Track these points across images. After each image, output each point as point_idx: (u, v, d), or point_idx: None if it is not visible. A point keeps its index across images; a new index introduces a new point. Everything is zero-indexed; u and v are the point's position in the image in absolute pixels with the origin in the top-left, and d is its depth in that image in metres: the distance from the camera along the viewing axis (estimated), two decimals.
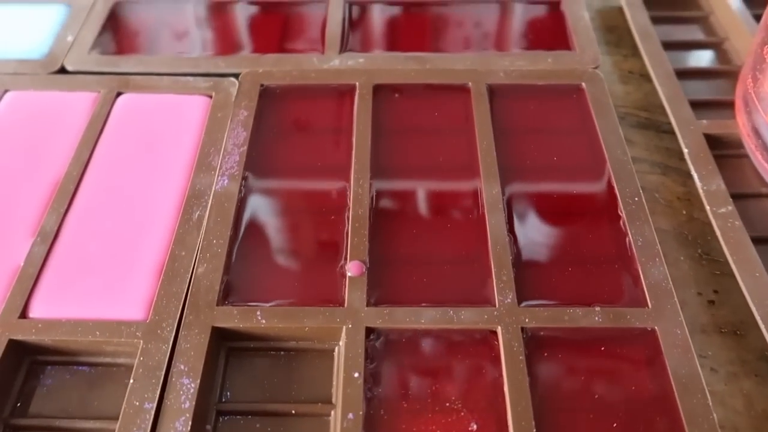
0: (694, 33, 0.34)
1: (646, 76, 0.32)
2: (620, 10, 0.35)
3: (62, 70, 0.30)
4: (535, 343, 0.21)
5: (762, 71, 0.24)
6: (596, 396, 0.20)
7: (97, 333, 0.21)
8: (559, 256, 0.24)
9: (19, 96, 0.29)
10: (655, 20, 0.33)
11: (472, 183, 0.26)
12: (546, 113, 0.29)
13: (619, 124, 0.28)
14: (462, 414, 0.20)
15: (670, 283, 0.22)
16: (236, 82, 0.30)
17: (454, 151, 0.27)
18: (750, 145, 0.26)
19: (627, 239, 0.24)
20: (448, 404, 0.20)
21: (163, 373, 0.20)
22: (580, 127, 0.28)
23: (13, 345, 0.21)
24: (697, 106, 0.29)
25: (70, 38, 0.32)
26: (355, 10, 0.33)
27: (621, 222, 0.24)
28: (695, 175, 0.26)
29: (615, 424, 0.20)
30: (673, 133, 0.28)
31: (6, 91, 0.30)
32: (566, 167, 0.27)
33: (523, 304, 0.22)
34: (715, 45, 0.33)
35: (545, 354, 0.21)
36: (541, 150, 0.27)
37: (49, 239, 0.24)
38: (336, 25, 0.32)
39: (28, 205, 0.25)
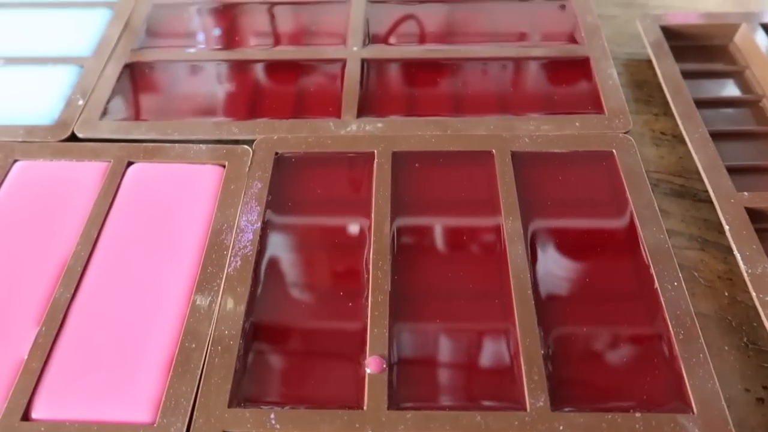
0: (729, 89, 0.32)
1: (679, 137, 0.30)
2: (649, 62, 0.33)
3: (72, 136, 0.30)
4: None
5: None
6: None
7: None
8: (595, 353, 0.22)
9: (28, 166, 0.29)
10: (687, 75, 0.32)
11: (498, 265, 0.24)
12: (574, 183, 0.27)
13: (653, 196, 0.26)
14: None
15: (717, 383, 0.21)
16: (250, 150, 0.28)
17: (479, 229, 0.26)
18: None
19: (668, 333, 0.22)
20: None
21: None
22: (611, 198, 0.27)
23: None
24: (736, 173, 0.27)
25: (81, 102, 0.31)
26: (373, 69, 0.32)
27: (661, 313, 0.23)
28: (738, 256, 0.24)
29: None
30: (710, 201, 0.26)
31: (15, 161, 0.29)
32: (598, 245, 0.25)
33: (557, 408, 0.20)
34: (752, 103, 0.31)
35: None
36: (570, 225, 0.26)
37: (54, 329, 0.23)
38: (353, 86, 0.31)
39: (34, 289, 0.24)
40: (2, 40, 0.35)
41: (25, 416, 0.21)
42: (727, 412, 0.20)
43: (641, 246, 0.24)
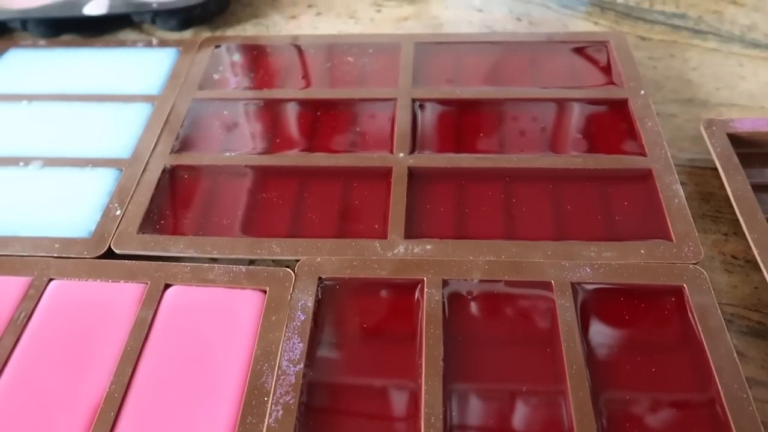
0: None
1: (753, 262, 0.28)
2: (714, 170, 0.31)
3: (109, 250, 0.29)
4: None
5: None
6: None
7: None
8: None
9: (62, 286, 0.27)
10: (758, 188, 0.29)
11: (558, 409, 0.22)
12: (641, 322, 0.25)
13: (730, 341, 0.24)
14: None
15: None
16: (292, 273, 0.27)
17: (538, 368, 0.24)
18: None
19: None
20: None
21: None
22: (682, 344, 0.24)
23: None
24: None
25: (118, 212, 0.30)
26: (420, 186, 0.31)
27: None
28: None
29: None
30: None
31: (50, 279, 0.28)
32: (668, 402, 0.23)
33: None
34: None
35: None
36: (635, 375, 0.23)
37: None
38: (400, 204, 0.29)
39: (69, 427, 0.23)
40: (39, 136, 0.34)
41: None
42: None
43: (721, 404, 0.22)
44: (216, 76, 0.38)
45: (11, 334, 0.26)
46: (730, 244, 0.29)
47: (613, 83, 0.35)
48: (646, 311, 0.25)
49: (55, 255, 0.29)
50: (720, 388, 0.23)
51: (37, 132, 0.35)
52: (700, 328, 0.24)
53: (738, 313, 0.26)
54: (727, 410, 0.22)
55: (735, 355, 0.23)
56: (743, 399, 0.22)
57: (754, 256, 0.27)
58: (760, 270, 0.27)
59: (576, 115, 0.34)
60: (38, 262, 0.28)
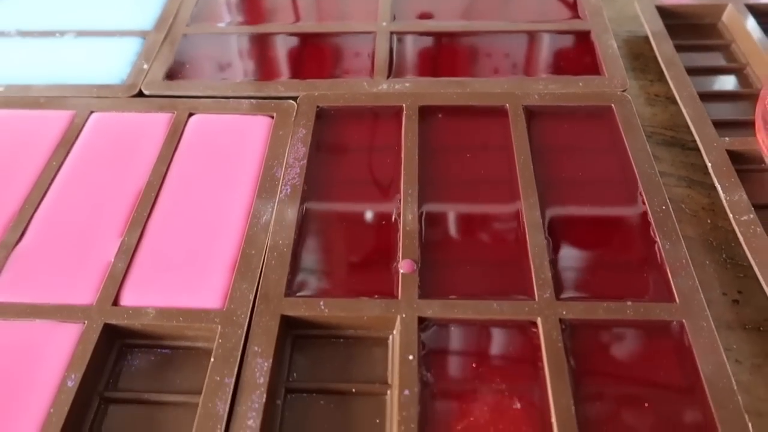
0: (717, 60, 0.36)
1: (671, 99, 0.34)
2: (646, 38, 0.37)
3: (140, 94, 0.34)
4: (572, 333, 0.23)
5: None
6: (628, 380, 0.22)
7: (181, 319, 0.24)
8: (592, 259, 0.26)
9: (103, 117, 0.33)
10: (679, 48, 0.36)
11: (511, 194, 0.28)
12: (578, 132, 0.31)
13: (646, 141, 0.30)
14: (506, 393, 0.22)
15: (696, 281, 0.24)
16: (294, 104, 0.33)
17: (494, 167, 0.30)
18: None
19: (656, 244, 0.26)
20: (493, 385, 0.22)
21: (240, 353, 0.23)
22: (610, 144, 0.31)
23: (107, 329, 0.24)
24: (720, 126, 0.31)
25: (145, 66, 0.36)
26: (400, 41, 0.37)
27: (650, 228, 0.26)
28: (719, 187, 0.28)
29: (646, 404, 0.22)
30: (697, 150, 0.30)
31: (92, 112, 0.33)
32: (598, 180, 0.29)
33: (561, 299, 0.24)
34: (737, 71, 0.35)
35: (581, 343, 0.23)
36: (574, 165, 0.30)
37: (135, 239, 0.27)
38: (383, 54, 0.35)
39: (115, 211, 0.28)
40: (73, 15, 0.40)
41: (115, 303, 0.25)
42: (704, 302, 0.24)
43: (636, 178, 0.28)
44: None
45: (61, 154, 0.31)
46: (654, 87, 0.35)
47: None
48: (582, 126, 0.32)
49: (94, 96, 0.34)
50: (638, 173, 0.29)
51: (68, 9, 0.40)
52: (624, 135, 0.30)
53: (656, 131, 0.33)
54: (641, 185, 0.28)
55: (648, 148, 0.30)
56: (654, 178, 0.28)
57: (673, 94, 0.33)
58: (677, 104, 0.33)
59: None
60: (80, 100, 0.34)
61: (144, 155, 0.31)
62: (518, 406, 0.22)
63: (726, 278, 0.26)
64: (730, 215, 0.27)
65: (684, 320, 0.23)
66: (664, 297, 0.24)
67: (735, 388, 0.21)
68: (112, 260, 0.26)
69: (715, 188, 0.28)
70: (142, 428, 0.23)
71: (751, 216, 0.26)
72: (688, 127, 0.31)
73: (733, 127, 0.31)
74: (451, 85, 0.33)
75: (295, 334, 0.25)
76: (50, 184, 0.30)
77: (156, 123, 0.33)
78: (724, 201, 0.27)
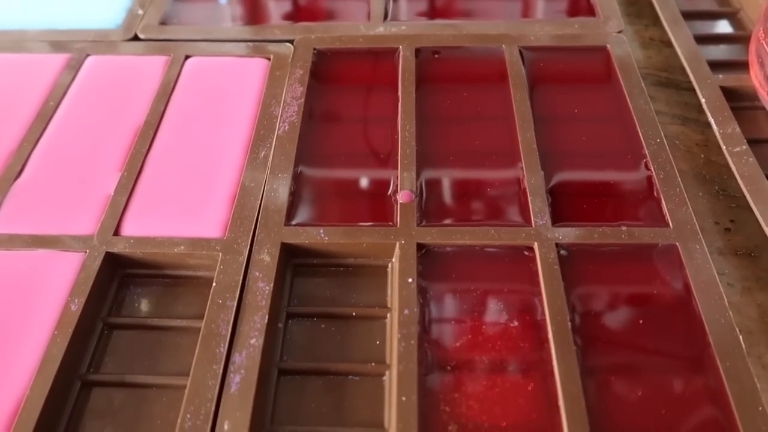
0: (711, 5, 0.37)
1: (665, 43, 0.34)
2: None
3: (135, 38, 0.34)
4: (568, 257, 0.24)
5: None
6: (623, 299, 0.23)
7: (182, 247, 0.24)
8: (588, 189, 0.26)
9: (99, 59, 0.33)
10: None
11: (508, 128, 0.29)
12: (574, 72, 0.31)
13: (641, 79, 0.30)
14: (505, 313, 0.22)
15: (689, 207, 0.25)
16: (291, 47, 0.33)
17: (491, 104, 0.30)
18: (763, 94, 0.28)
19: (650, 174, 0.26)
20: (492, 306, 0.23)
21: (241, 278, 0.23)
22: (606, 83, 0.31)
23: (109, 257, 0.24)
24: (714, 66, 0.31)
25: (141, 12, 0.35)
26: None
27: (645, 160, 0.27)
28: (712, 121, 0.28)
29: (641, 321, 0.22)
30: (691, 90, 0.31)
31: (88, 55, 0.33)
32: (594, 117, 0.29)
33: (556, 225, 0.25)
34: (731, 15, 0.35)
35: (577, 266, 0.24)
36: (571, 103, 0.30)
37: (134, 173, 0.27)
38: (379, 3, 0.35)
39: (114, 147, 0.28)
40: None
41: (116, 233, 0.25)
42: (697, 226, 0.24)
43: (631, 113, 0.29)
44: None
45: (57, 95, 0.31)
46: (649, 31, 0.35)
47: None
48: (578, 66, 0.32)
49: (90, 40, 0.34)
50: (633, 109, 0.29)
51: None
52: (619, 73, 0.31)
53: (651, 73, 0.33)
54: (637, 122, 0.28)
55: (643, 85, 0.30)
56: (649, 113, 0.29)
57: (668, 38, 0.33)
58: (672, 46, 0.33)
59: None
60: (76, 44, 0.34)
61: (141, 95, 0.31)
62: (515, 324, 0.22)
63: (718, 208, 0.27)
64: (723, 147, 0.27)
65: (677, 243, 0.24)
66: (658, 222, 0.25)
67: (726, 303, 0.22)
68: (112, 193, 0.26)
69: (708, 125, 0.29)
70: (145, 351, 0.23)
71: (744, 147, 0.27)
72: (683, 69, 0.32)
73: (727, 68, 0.32)
74: (448, 27, 0.33)
75: (295, 263, 0.25)
76: (48, 124, 0.30)
77: (152, 65, 0.32)
78: (717, 134, 0.28)
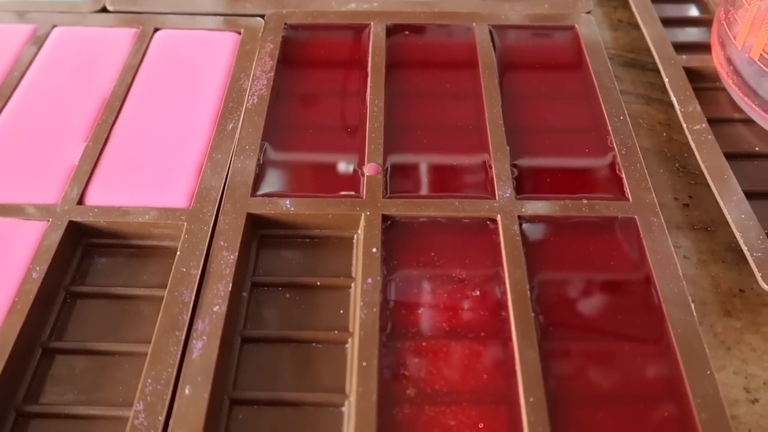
0: None
1: (633, 24, 0.35)
2: None
3: (103, 10, 0.34)
4: (530, 228, 0.24)
5: (732, 3, 0.28)
6: (582, 269, 0.23)
7: (147, 216, 0.24)
8: (551, 163, 0.27)
9: (65, 30, 0.32)
10: None
11: (475, 105, 0.29)
12: (542, 51, 0.32)
13: (607, 59, 0.31)
14: (466, 282, 0.23)
15: (649, 182, 0.25)
16: (262, 21, 0.33)
17: (460, 81, 0.30)
18: (723, 74, 0.29)
19: (612, 150, 0.27)
20: (454, 275, 0.23)
21: (206, 247, 0.23)
22: (573, 62, 0.31)
23: (72, 226, 0.24)
24: (679, 48, 0.32)
25: None
26: None
27: (608, 137, 0.27)
28: (674, 99, 0.29)
29: (599, 290, 0.23)
30: (656, 71, 0.31)
31: (54, 26, 0.33)
32: (560, 93, 0.30)
33: (520, 197, 0.25)
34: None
35: (539, 237, 0.24)
36: (538, 81, 0.30)
37: (100, 144, 0.27)
38: None
39: (80, 118, 0.28)
40: None
41: (80, 202, 0.25)
42: (656, 201, 0.25)
43: (596, 92, 0.29)
44: None
45: (22, 65, 0.31)
46: (617, 13, 0.36)
47: None
48: (546, 45, 0.32)
49: (57, 11, 0.33)
50: (598, 87, 0.29)
51: None
52: (586, 52, 0.31)
53: (618, 53, 0.34)
54: (601, 100, 0.29)
55: (609, 65, 0.30)
56: (613, 91, 0.29)
57: (636, 20, 0.34)
58: (639, 29, 0.33)
59: None
60: (41, 15, 0.33)
61: (108, 67, 0.31)
62: (476, 293, 0.23)
63: (678, 185, 0.27)
64: (684, 125, 0.28)
65: (636, 216, 0.24)
66: (619, 197, 0.25)
67: (681, 274, 0.22)
68: (77, 163, 0.26)
69: (671, 105, 0.29)
70: (109, 320, 0.23)
71: (703, 125, 0.27)
72: (649, 51, 0.32)
73: (692, 50, 0.32)
74: (419, 5, 0.34)
75: (261, 234, 0.25)
76: (11, 94, 0.29)
77: (121, 37, 0.32)
78: (678, 112, 0.28)
